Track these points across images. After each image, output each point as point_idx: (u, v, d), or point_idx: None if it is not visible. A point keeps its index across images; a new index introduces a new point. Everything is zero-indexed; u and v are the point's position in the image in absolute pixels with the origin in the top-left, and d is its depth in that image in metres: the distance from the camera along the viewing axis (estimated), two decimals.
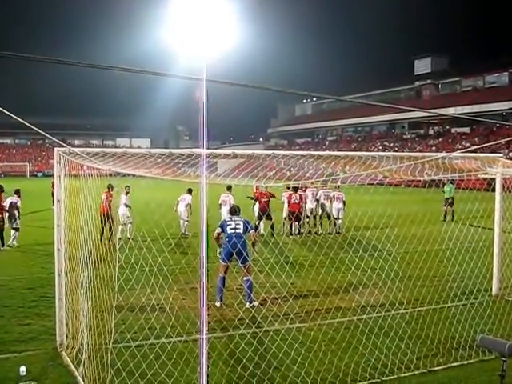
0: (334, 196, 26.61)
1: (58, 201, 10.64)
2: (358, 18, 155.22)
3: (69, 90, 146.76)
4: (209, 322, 11.14)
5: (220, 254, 13.42)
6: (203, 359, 6.79)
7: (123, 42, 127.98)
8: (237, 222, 13.33)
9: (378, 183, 15.22)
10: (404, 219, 16.24)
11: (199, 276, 12.46)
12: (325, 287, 13.56)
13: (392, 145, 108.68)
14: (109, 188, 19.55)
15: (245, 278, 13.11)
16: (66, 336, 10.46)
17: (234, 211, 13.94)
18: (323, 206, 26.67)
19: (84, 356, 8.96)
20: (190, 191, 24.71)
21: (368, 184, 14.90)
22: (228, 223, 13.38)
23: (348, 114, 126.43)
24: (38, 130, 7.77)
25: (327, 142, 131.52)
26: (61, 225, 10.56)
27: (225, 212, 22.29)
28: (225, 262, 13.14)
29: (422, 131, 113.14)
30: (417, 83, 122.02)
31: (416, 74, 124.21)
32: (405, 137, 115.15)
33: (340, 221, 26.31)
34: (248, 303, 13.04)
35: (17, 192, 22.91)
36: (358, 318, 12.08)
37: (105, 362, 8.49)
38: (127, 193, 22.87)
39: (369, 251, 15.02)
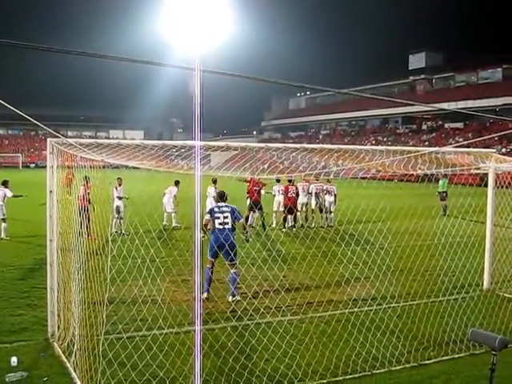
0: (326, 189, 26.70)
1: (51, 191, 10.59)
2: (353, 12, 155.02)
3: (63, 81, 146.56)
4: (200, 314, 11.14)
5: (203, 237, 13.13)
6: (198, 351, 6.79)
7: (117, 33, 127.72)
8: (225, 215, 13.10)
9: (370, 177, 15.25)
10: (396, 213, 16.28)
11: (192, 268, 12.50)
12: (317, 280, 13.59)
13: (385, 139, 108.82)
14: (86, 180, 19.35)
15: (232, 271, 13.00)
16: (58, 327, 10.45)
17: (221, 196, 13.69)
18: (316, 200, 26.65)
19: (75, 347, 8.95)
20: (176, 183, 24.93)
21: (361, 178, 14.92)
22: (216, 214, 13.12)
23: (342, 108, 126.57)
24: (33, 120, 7.74)
25: (321, 136, 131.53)
26: (53, 216, 10.53)
27: (208, 203, 22.65)
28: (212, 258, 13.09)
29: (415, 126, 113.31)
30: (411, 78, 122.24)
31: (410, 68, 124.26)
32: (398, 131, 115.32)
33: (332, 214, 26.40)
34: (230, 297, 12.92)
35: (4, 183, 22.82)
36: (350, 311, 12.11)
37: (96, 353, 8.47)
38: (119, 185, 22.81)
39: (361, 245, 15.04)
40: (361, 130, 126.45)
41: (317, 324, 11.25)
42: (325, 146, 12.55)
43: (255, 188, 24.64)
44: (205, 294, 12.87)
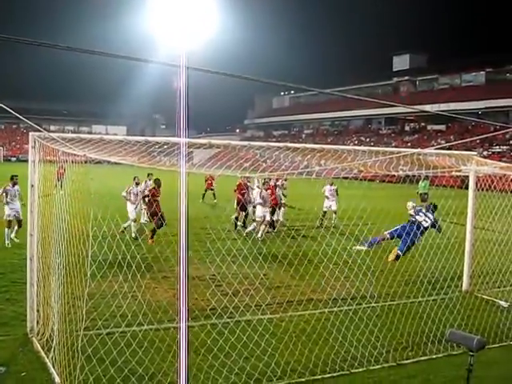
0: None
1: (32, 186, 10.53)
2: (338, 12, 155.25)
3: (45, 75, 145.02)
4: (187, 310, 11.12)
5: None
6: (183, 348, 6.77)
7: (103, 28, 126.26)
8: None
9: (352, 177, 15.31)
10: (378, 214, 16.34)
11: (174, 264, 12.50)
12: (297, 279, 13.61)
13: (368, 140, 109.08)
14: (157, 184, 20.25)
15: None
16: (37, 322, 10.41)
17: None
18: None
19: (54, 342, 8.92)
20: (151, 179, 24.67)
21: (343, 178, 14.97)
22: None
23: (325, 108, 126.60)
24: (15, 113, 7.69)
25: (303, 135, 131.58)
26: (34, 210, 10.48)
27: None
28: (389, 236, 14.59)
29: (398, 127, 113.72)
30: (395, 79, 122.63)
31: (394, 70, 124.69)
32: (381, 132, 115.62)
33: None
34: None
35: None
36: (330, 310, 12.18)
37: (75, 349, 8.45)
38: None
39: (342, 244, 15.06)
40: (344, 130, 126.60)
41: (296, 323, 11.30)
42: (308, 145, 12.60)
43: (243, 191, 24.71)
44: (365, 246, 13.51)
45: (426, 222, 14.23)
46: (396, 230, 14.17)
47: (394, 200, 23.89)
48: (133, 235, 18.86)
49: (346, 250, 13.96)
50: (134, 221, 20.89)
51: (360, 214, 15.43)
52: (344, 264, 13.21)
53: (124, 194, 22.47)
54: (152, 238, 18.18)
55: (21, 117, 8.39)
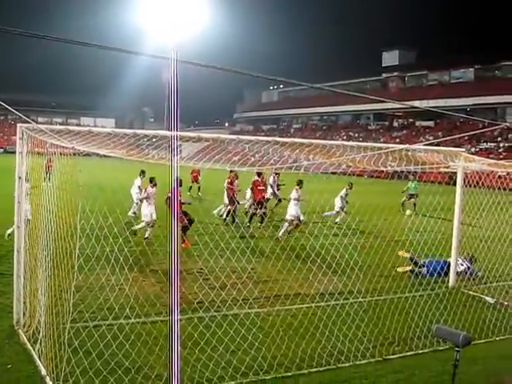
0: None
1: (19, 178, 10.48)
2: (328, 7, 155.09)
3: (34, 66, 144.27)
4: (166, 305, 11.10)
5: None
6: (175, 341, 6.74)
7: (93, 20, 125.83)
8: None
9: (341, 172, 15.32)
10: (365, 209, 16.37)
11: (162, 258, 12.50)
12: (284, 273, 13.63)
13: (357, 135, 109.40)
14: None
15: None
16: (24, 314, 10.36)
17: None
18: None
19: (41, 334, 8.89)
20: (141, 173, 24.67)
21: (331, 173, 14.98)
22: None
23: (314, 103, 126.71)
24: (4, 104, 7.63)
25: (292, 130, 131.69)
26: (21, 202, 10.43)
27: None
28: None
29: (386, 123, 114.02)
30: (384, 75, 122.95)
31: (383, 65, 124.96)
32: (370, 128, 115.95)
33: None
34: None
35: None
36: (317, 304, 12.19)
37: (62, 341, 8.44)
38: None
39: (329, 239, 15.10)
40: (332, 125, 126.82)
41: (283, 317, 11.32)
42: (296, 140, 12.61)
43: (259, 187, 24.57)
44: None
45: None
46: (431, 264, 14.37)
47: (387, 195, 23.99)
48: (146, 235, 18.57)
49: (333, 245, 13.97)
50: (151, 225, 19.51)
51: (348, 209, 15.48)
52: (332, 259, 13.24)
53: (138, 195, 22.43)
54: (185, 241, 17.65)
55: (9, 108, 8.31)
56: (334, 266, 13.24)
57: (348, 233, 15.25)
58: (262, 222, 23.58)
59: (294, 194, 21.88)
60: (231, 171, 24.20)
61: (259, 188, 24.26)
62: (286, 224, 21.27)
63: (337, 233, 14.15)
